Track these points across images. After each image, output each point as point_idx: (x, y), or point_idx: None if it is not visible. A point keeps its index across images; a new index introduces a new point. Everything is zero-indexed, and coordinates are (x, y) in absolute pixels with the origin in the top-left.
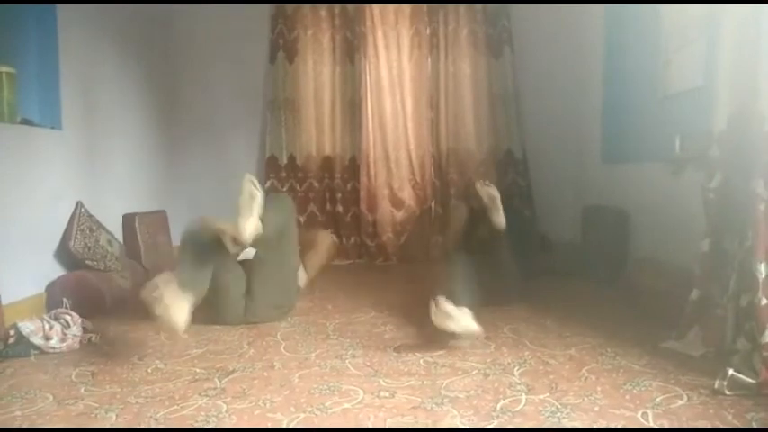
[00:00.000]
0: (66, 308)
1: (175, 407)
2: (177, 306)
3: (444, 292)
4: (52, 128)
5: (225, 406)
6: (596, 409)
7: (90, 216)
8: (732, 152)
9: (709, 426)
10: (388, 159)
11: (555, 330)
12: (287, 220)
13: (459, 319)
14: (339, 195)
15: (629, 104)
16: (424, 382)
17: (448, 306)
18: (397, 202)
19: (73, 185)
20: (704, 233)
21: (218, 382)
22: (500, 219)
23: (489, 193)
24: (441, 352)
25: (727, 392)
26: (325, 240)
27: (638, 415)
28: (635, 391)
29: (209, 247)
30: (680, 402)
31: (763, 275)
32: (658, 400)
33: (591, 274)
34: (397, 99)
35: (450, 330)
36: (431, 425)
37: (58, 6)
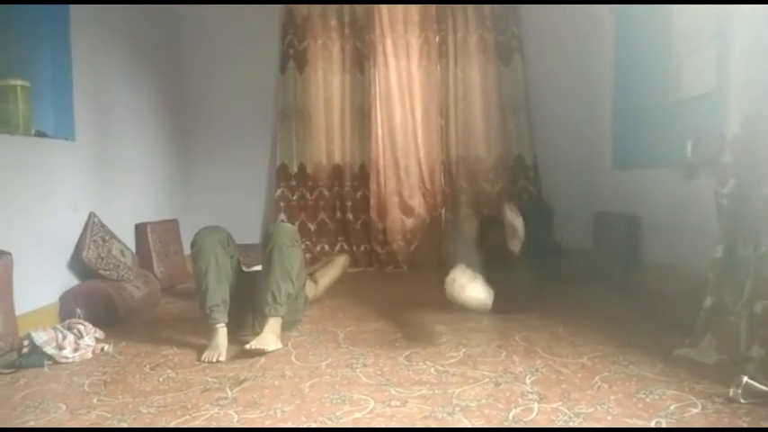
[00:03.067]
0: (80, 318)
1: (187, 417)
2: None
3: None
4: (66, 139)
5: (236, 416)
6: (609, 418)
7: (103, 226)
8: (745, 157)
9: None
10: (397, 167)
11: (567, 338)
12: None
13: (474, 287)
14: (349, 203)
15: (640, 110)
16: (436, 391)
17: (465, 276)
18: (407, 210)
19: (86, 196)
20: (718, 239)
21: (230, 392)
22: (516, 247)
23: (514, 223)
24: (452, 360)
25: (742, 401)
26: (340, 258)
27: (652, 424)
28: (648, 399)
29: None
30: (694, 411)
31: None
32: (672, 408)
33: (602, 280)
34: (407, 107)
35: (463, 302)
36: None
37: (72, 20)
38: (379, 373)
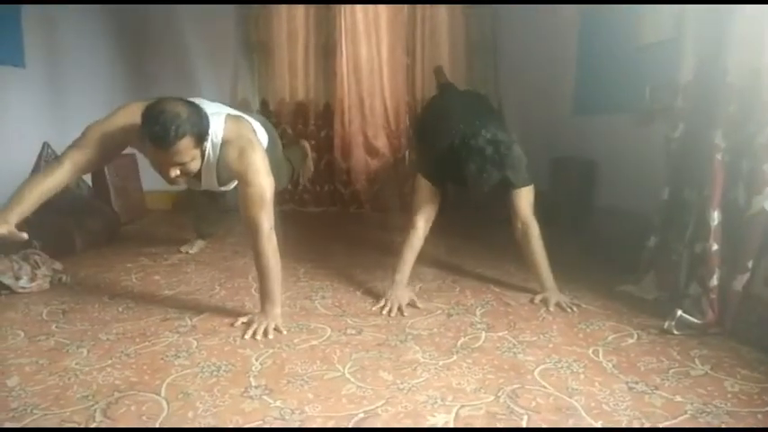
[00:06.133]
0: (35, 248)
1: (146, 343)
2: None
3: None
4: (15, 66)
5: (195, 342)
6: (550, 345)
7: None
8: (696, 103)
9: (654, 361)
10: (362, 106)
11: (518, 275)
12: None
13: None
14: (313, 142)
15: (603, 55)
16: (390, 322)
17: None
18: (371, 150)
19: (38, 125)
20: (664, 182)
21: (189, 321)
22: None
23: None
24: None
25: (675, 332)
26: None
27: (590, 351)
28: (588, 330)
29: None
30: (630, 341)
31: (716, 223)
32: (610, 338)
33: (556, 222)
34: (373, 44)
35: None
36: (394, 359)
37: None
38: (336, 304)
